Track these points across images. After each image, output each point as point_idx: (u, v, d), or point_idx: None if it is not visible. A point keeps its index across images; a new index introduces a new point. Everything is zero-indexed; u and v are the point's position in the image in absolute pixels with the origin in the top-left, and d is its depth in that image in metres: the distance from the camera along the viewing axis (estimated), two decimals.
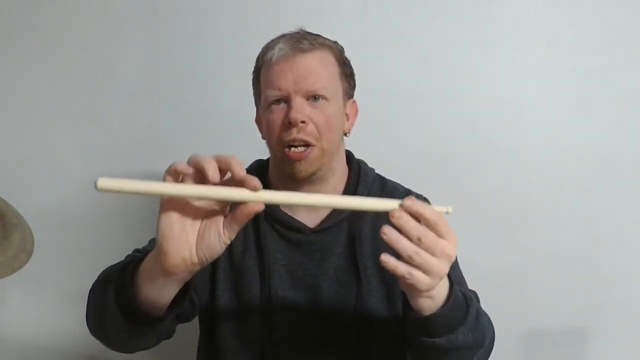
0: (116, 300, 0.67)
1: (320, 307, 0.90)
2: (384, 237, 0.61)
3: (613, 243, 1.37)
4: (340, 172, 0.95)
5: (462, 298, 0.72)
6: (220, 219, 0.61)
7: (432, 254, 0.61)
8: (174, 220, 0.60)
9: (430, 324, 0.69)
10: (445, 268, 0.62)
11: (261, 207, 0.59)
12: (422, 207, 0.61)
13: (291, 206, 0.91)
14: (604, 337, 1.39)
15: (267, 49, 0.90)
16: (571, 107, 1.36)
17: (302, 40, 0.87)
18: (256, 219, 0.91)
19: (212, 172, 0.57)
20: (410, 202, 0.61)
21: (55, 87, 1.40)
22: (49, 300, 1.43)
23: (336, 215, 0.91)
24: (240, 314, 0.90)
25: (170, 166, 0.58)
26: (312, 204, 0.65)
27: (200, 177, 0.58)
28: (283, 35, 0.90)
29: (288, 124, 0.85)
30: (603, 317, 1.39)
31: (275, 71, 0.87)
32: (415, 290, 0.64)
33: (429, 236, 0.61)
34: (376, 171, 1.00)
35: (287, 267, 0.90)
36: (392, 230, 0.61)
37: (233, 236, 0.61)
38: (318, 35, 0.91)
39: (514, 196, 1.35)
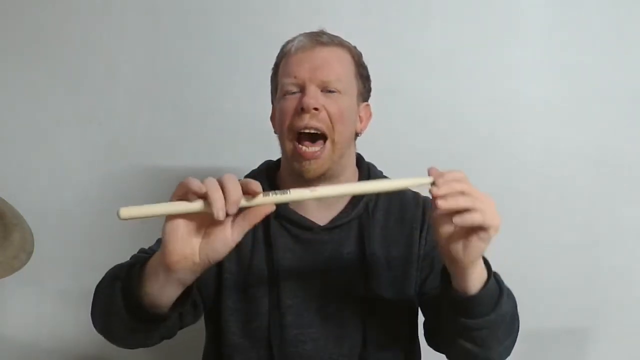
0: (122, 296, 0.70)
1: (330, 305, 0.90)
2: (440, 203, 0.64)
3: (613, 243, 1.37)
4: (350, 173, 0.95)
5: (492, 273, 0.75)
6: (227, 222, 0.64)
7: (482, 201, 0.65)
8: (179, 223, 0.63)
9: (478, 301, 0.71)
10: (496, 212, 0.66)
11: (272, 208, 0.64)
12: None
13: (298, 203, 0.91)
14: (604, 337, 1.39)
15: (287, 42, 0.92)
16: (571, 107, 1.36)
17: (322, 35, 0.90)
18: (266, 218, 0.91)
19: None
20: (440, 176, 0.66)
21: (55, 87, 1.40)
22: (49, 300, 1.43)
23: (346, 213, 0.92)
24: (249, 312, 0.90)
25: (183, 186, 0.62)
26: (322, 195, 0.68)
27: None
28: (304, 32, 0.92)
29: (301, 110, 0.85)
30: (603, 317, 1.39)
31: (293, 61, 0.88)
32: (478, 246, 0.67)
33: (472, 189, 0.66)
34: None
35: (296, 264, 0.90)
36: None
37: (239, 238, 0.65)
38: (338, 36, 0.93)
39: (514, 196, 1.36)
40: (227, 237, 0.64)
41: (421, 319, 0.95)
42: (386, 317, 0.91)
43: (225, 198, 0.60)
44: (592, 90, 1.35)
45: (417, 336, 0.97)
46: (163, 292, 0.67)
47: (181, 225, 0.63)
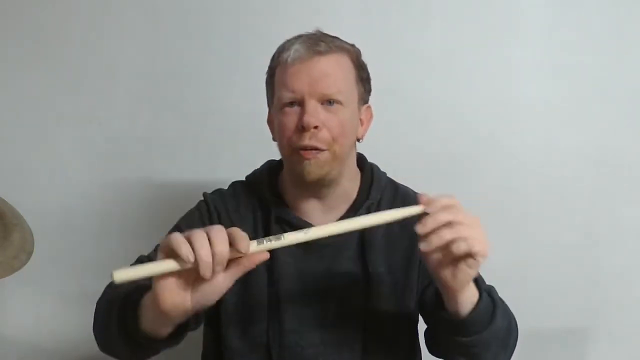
0: (118, 324, 0.70)
1: (329, 310, 0.90)
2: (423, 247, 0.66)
3: (613, 243, 1.37)
4: (351, 175, 0.94)
5: (484, 290, 0.76)
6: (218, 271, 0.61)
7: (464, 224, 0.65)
8: (169, 276, 0.61)
9: (469, 322, 0.73)
10: (485, 238, 0.67)
11: (267, 256, 0.65)
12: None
13: (299, 207, 0.91)
14: (604, 337, 1.39)
15: (283, 49, 0.87)
16: (571, 107, 1.36)
17: (319, 42, 0.85)
18: (266, 222, 0.91)
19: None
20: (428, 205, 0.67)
21: (55, 87, 1.40)
22: (49, 300, 1.43)
23: (348, 217, 0.91)
24: (248, 317, 0.89)
25: (169, 247, 0.60)
26: (317, 237, 0.67)
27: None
28: (300, 36, 0.88)
29: (301, 128, 0.83)
30: (603, 317, 1.39)
31: (291, 72, 0.84)
32: (466, 273, 0.68)
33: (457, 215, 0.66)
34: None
35: (297, 270, 0.90)
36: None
37: (231, 284, 0.64)
38: (336, 38, 0.89)
39: (514, 196, 1.36)
40: (219, 284, 0.62)
41: (422, 325, 0.94)
42: (387, 321, 0.90)
43: (212, 257, 0.59)
44: (592, 90, 1.35)
45: (418, 340, 0.97)
46: (157, 329, 0.67)
47: (171, 278, 0.61)
